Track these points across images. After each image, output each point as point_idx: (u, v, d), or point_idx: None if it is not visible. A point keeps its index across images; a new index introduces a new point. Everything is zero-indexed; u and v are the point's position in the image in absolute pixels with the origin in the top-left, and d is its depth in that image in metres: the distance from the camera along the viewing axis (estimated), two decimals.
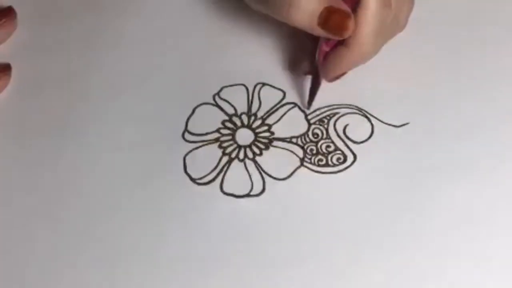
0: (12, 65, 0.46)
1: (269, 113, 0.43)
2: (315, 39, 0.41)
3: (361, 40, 0.38)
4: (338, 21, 0.38)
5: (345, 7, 0.38)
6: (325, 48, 0.40)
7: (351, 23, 0.38)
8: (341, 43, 0.39)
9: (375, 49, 0.40)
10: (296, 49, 0.45)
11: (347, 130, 0.42)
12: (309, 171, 0.41)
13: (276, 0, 0.39)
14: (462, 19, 0.46)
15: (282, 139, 0.42)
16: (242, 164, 0.41)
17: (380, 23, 0.38)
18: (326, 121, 0.43)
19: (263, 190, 0.40)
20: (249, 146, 0.42)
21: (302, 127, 0.42)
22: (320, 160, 0.41)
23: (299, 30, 0.39)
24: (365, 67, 0.41)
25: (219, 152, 0.42)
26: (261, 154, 0.42)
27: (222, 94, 0.44)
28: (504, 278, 0.37)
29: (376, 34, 0.38)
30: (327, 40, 0.40)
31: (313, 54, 0.42)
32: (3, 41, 0.47)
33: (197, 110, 0.43)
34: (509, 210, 0.39)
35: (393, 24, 0.40)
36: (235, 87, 0.44)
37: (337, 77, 0.42)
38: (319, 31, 0.38)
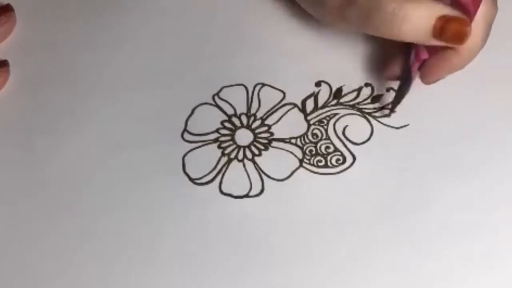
0: (11, 63, 0.46)
1: (269, 113, 0.43)
2: (405, 44, 0.40)
3: (472, 45, 0.37)
4: (456, 29, 0.36)
5: (459, 13, 0.36)
6: (424, 55, 0.39)
7: (469, 29, 0.36)
8: (448, 48, 0.38)
9: (481, 49, 0.38)
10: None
11: (346, 131, 0.42)
12: (308, 172, 0.41)
13: (382, 19, 0.37)
14: None
15: (282, 140, 0.42)
16: (241, 164, 0.41)
17: (488, 24, 0.37)
18: (325, 122, 0.43)
19: (262, 190, 0.40)
20: (248, 146, 0.42)
21: (302, 127, 0.42)
22: (319, 161, 0.41)
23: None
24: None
25: (218, 152, 0.42)
26: (260, 154, 0.42)
27: (222, 94, 0.44)
28: (504, 278, 0.37)
29: (485, 36, 0.38)
30: (426, 47, 0.39)
31: (401, 60, 0.41)
32: (2, 39, 0.47)
33: (196, 110, 0.43)
34: (509, 210, 0.39)
35: (492, 22, 0.39)
36: (235, 87, 0.44)
37: (436, 81, 0.41)
38: (435, 42, 0.37)
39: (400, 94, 0.41)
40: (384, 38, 0.38)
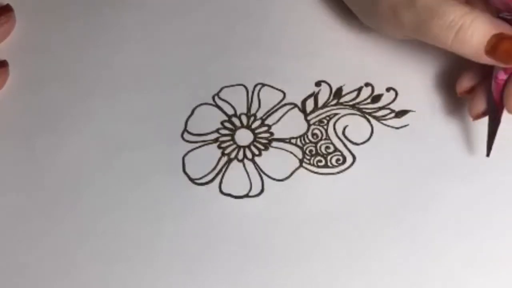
0: (11, 63, 0.46)
1: (269, 113, 0.43)
2: (485, 74, 0.39)
3: None
4: (509, 48, 0.35)
5: None
6: (502, 76, 0.38)
7: None
8: None
9: None
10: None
11: (346, 131, 0.42)
12: (308, 172, 0.41)
13: (438, 27, 0.36)
14: None
15: (282, 140, 0.42)
16: (241, 164, 0.41)
17: None
18: (325, 122, 0.43)
19: (262, 190, 0.40)
20: (248, 146, 0.42)
21: (302, 128, 0.42)
22: (319, 161, 0.41)
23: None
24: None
25: (218, 153, 0.42)
26: (260, 154, 0.42)
27: (222, 95, 0.44)
28: (504, 278, 0.37)
29: None
30: (503, 68, 0.38)
31: (483, 92, 0.39)
32: (2, 39, 0.47)
33: (196, 110, 0.43)
34: (509, 210, 0.39)
35: None
36: (234, 87, 0.44)
37: None
38: (485, 59, 0.36)
39: (493, 130, 0.39)
40: (440, 48, 0.37)
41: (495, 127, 0.39)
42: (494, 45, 0.36)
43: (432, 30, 0.37)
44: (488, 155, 0.39)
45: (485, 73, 0.40)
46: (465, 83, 0.41)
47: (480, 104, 0.40)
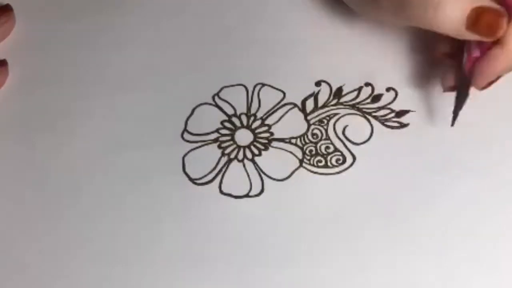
0: (11, 63, 0.46)
1: (269, 113, 0.43)
2: (457, 49, 0.39)
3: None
4: (490, 21, 0.35)
5: (495, 5, 0.35)
6: (476, 53, 0.38)
7: (504, 21, 0.35)
8: (494, 44, 0.36)
9: None
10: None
11: (346, 131, 0.42)
12: (308, 172, 0.41)
13: (416, 6, 0.36)
14: None
15: (282, 140, 0.42)
16: (241, 164, 0.41)
17: None
18: (325, 122, 0.43)
19: (262, 190, 0.40)
20: (248, 146, 0.42)
21: (302, 127, 0.42)
22: (319, 161, 0.41)
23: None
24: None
25: (218, 153, 0.42)
26: (260, 154, 0.42)
27: (222, 94, 0.44)
28: (504, 278, 0.37)
29: None
30: (477, 44, 0.37)
31: (453, 68, 0.39)
32: (2, 39, 0.47)
33: (196, 110, 0.43)
34: (509, 210, 0.39)
35: None
36: (235, 87, 0.44)
37: (490, 84, 0.39)
38: (468, 35, 0.36)
39: (460, 102, 0.39)
40: (421, 29, 0.37)
41: (463, 100, 0.39)
42: (475, 19, 0.35)
43: (410, 9, 0.37)
44: (452, 125, 0.40)
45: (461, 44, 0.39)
46: (442, 48, 0.41)
47: (452, 80, 0.40)
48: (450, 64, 0.40)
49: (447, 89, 0.40)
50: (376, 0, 0.39)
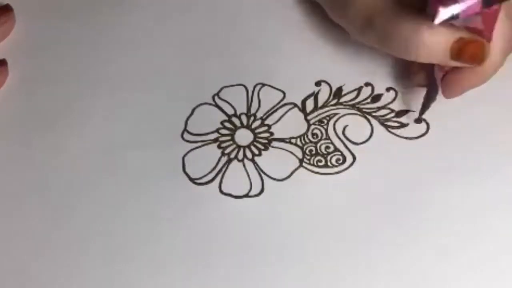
0: (11, 62, 0.46)
1: (269, 113, 0.43)
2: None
3: (489, 62, 0.37)
4: (473, 52, 0.36)
5: (475, 36, 0.36)
6: (446, 67, 0.39)
7: (486, 51, 0.36)
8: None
9: (500, 66, 0.38)
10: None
11: (346, 131, 0.42)
12: (308, 171, 0.41)
13: (401, 42, 0.37)
14: None
15: (282, 140, 0.42)
16: (241, 164, 0.41)
17: (506, 41, 0.37)
18: (325, 121, 0.43)
19: (262, 190, 0.40)
20: (248, 146, 0.42)
21: (302, 127, 0.42)
22: (319, 161, 0.41)
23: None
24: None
25: (218, 152, 0.42)
26: (260, 154, 0.42)
27: (222, 94, 0.44)
28: (504, 278, 0.37)
29: (502, 53, 0.37)
30: None
31: (429, 67, 0.40)
32: (2, 39, 0.47)
33: (196, 110, 0.43)
34: (509, 211, 0.39)
35: None
36: (235, 87, 0.44)
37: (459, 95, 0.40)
38: (452, 63, 0.37)
39: (427, 103, 0.41)
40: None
41: (430, 102, 0.40)
42: (458, 51, 0.36)
43: (393, 46, 0.38)
44: (419, 122, 0.41)
45: None
46: (422, 79, 0.42)
47: (423, 78, 0.41)
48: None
49: (417, 85, 0.42)
50: (364, 34, 0.40)
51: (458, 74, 0.38)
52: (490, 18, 0.36)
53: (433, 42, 0.36)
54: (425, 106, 0.41)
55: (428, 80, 0.41)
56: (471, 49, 0.36)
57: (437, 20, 0.34)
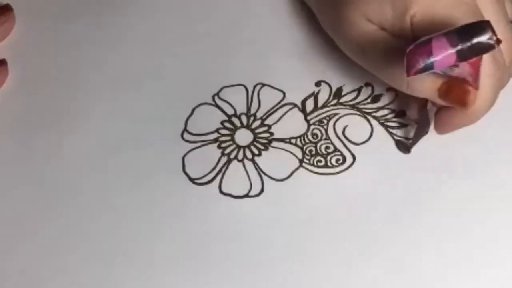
0: (10, 62, 0.45)
1: (269, 113, 0.43)
2: None
3: (477, 105, 0.37)
4: (459, 95, 0.36)
5: (463, 77, 0.36)
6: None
7: (472, 97, 0.36)
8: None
9: (489, 108, 0.38)
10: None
11: (346, 131, 0.42)
12: (308, 172, 0.41)
13: (394, 76, 0.38)
14: None
15: (281, 140, 0.42)
16: (241, 164, 0.41)
17: (495, 85, 0.37)
18: (325, 122, 0.43)
19: (262, 190, 0.40)
20: (248, 146, 0.42)
21: (302, 127, 0.42)
22: (319, 161, 0.41)
23: None
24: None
25: (218, 153, 0.42)
26: (260, 154, 0.42)
27: (222, 94, 0.44)
28: (504, 278, 0.37)
29: (492, 95, 0.37)
30: None
31: (421, 102, 0.41)
32: (2, 38, 0.47)
33: (196, 110, 0.43)
34: (509, 211, 0.39)
35: (505, 77, 0.38)
36: (235, 87, 0.44)
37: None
38: (441, 102, 0.37)
39: (418, 136, 0.41)
40: None
41: (420, 136, 0.41)
42: (445, 92, 0.37)
43: (386, 77, 0.39)
44: (408, 153, 0.41)
45: None
46: (414, 114, 0.42)
47: (415, 113, 0.42)
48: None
49: (412, 119, 0.42)
50: (355, 56, 0.41)
51: (450, 111, 0.39)
52: (475, 66, 0.36)
53: (423, 81, 0.37)
54: (415, 140, 0.41)
55: (420, 115, 0.41)
56: (456, 92, 0.36)
57: (412, 72, 0.34)
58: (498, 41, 0.33)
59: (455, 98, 0.36)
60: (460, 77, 0.36)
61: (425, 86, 0.37)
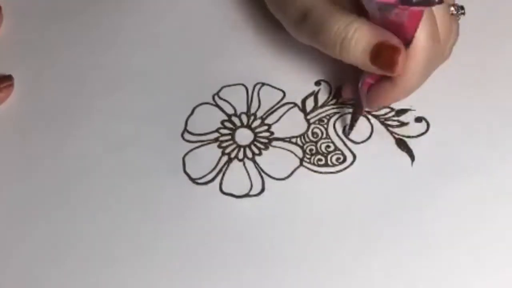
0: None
1: (269, 113, 0.43)
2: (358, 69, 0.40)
3: (408, 77, 0.37)
4: (389, 56, 0.36)
5: (396, 42, 0.36)
6: (369, 80, 0.39)
7: (401, 58, 0.36)
8: (387, 77, 0.38)
9: (420, 84, 0.39)
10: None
11: (346, 130, 0.42)
12: (308, 171, 0.41)
13: (330, 36, 0.38)
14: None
15: (282, 139, 0.42)
16: (241, 164, 0.41)
17: (428, 60, 0.37)
18: (325, 120, 0.43)
19: (263, 190, 0.40)
20: (249, 146, 0.42)
21: (302, 127, 0.42)
22: (320, 160, 0.41)
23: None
24: None
25: (219, 152, 0.42)
26: (260, 154, 0.42)
27: (222, 94, 0.44)
28: (505, 278, 0.37)
29: (423, 70, 0.37)
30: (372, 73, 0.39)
31: (356, 82, 0.41)
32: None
33: (196, 109, 0.43)
34: (509, 211, 0.39)
35: (438, 57, 0.39)
36: (234, 87, 0.44)
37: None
38: (372, 68, 0.37)
39: (353, 117, 0.41)
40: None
41: (357, 116, 0.41)
42: (376, 55, 0.37)
43: (322, 40, 0.38)
44: (347, 136, 0.42)
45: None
46: (349, 93, 0.43)
47: (349, 93, 0.42)
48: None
49: (346, 99, 0.43)
50: (298, 28, 0.40)
51: (382, 84, 0.39)
52: (413, 21, 0.35)
53: (357, 39, 0.37)
54: (352, 122, 0.41)
55: (354, 94, 0.41)
56: (385, 54, 0.36)
57: None
58: (440, 0, 0.32)
59: (385, 60, 0.36)
60: (397, 21, 0.36)
61: (358, 47, 0.37)
